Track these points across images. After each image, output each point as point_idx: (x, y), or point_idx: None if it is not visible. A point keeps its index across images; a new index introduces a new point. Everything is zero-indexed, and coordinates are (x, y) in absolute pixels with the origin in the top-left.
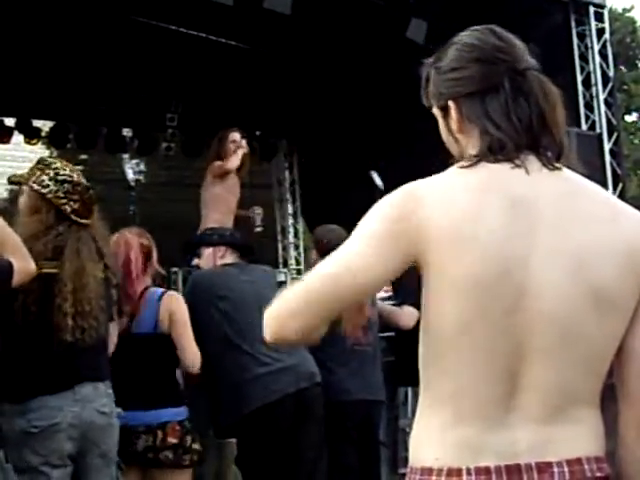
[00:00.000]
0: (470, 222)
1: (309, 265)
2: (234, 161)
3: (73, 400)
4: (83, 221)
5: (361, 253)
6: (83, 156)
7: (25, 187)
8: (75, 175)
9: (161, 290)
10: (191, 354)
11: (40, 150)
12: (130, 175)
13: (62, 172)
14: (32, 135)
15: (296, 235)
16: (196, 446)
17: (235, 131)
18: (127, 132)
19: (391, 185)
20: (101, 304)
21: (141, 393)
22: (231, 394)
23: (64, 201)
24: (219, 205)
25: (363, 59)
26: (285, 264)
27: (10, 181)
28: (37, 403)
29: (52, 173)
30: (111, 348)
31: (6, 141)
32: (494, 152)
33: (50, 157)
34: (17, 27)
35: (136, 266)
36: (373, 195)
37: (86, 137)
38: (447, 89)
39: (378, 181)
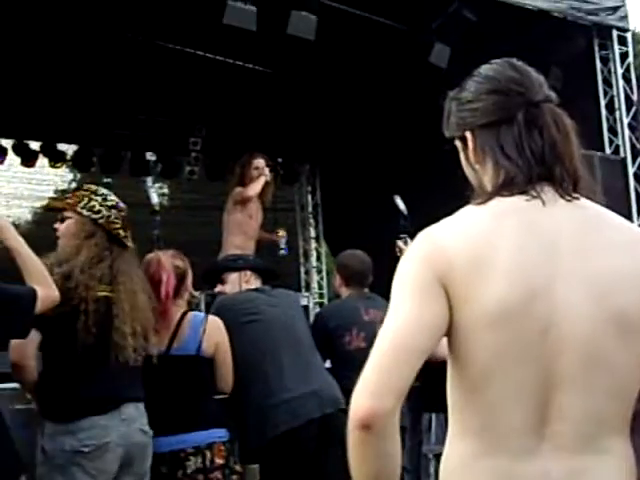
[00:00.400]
0: (491, 254)
1: (332, 289)
2: (255, 188)
3: (120, 420)
4: (129, 244)
5: (414, 314)
6: (107, 179)
7: (71, 213)
8: (119, 200)
9: (202, 314)
10: (230, 379)
11: (64, 173)
12: (155, 199)
13: (109, 198)
14: (57, 159)
15: (319, 259)
16: (238, 467)
17: (259, 157)
18: (151, 156)
19: (414, 210)
20: (149, 324)
21: (188, 414)
22: (257, 418)
23: (116, 225)
24: (240, 230)
25: (386, 84)
26: (307, 288)
27: (49, 207)
28: (88, 423)
29: (100, 199)
30: None
31: (31, 165)
32: (506, 185)
33: (74, 180)
34: (42, 52)
35: (166, 287)
36: (397, 220)
37: (110, 161)
38: (464, 120)
39: (402, 206)
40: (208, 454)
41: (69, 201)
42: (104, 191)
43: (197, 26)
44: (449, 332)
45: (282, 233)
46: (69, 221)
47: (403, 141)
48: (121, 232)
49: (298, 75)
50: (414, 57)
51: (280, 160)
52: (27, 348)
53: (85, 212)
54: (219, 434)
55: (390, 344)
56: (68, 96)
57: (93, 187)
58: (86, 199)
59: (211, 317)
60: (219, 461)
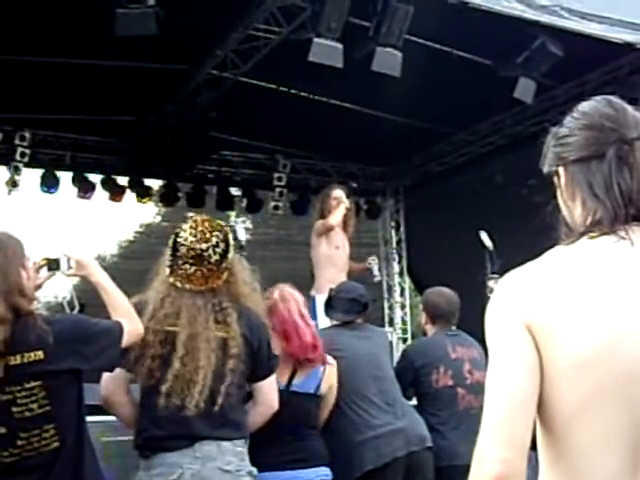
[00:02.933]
0: (576, 298)
1: (417, 325)
2: (336, 217)
3: (193, 457)
4: (188, 286)
5: (511, 370)
6: (190, 214)
7: None
8: (193, 239)
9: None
10: (325, 418)
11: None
12: (242, 235)
13: (182, 235)
14: (144, 194)
15: (402, 294)
16: None
17: (337, 188)
18: (236, 191)
19: (500, 245)
20: (214, 369)
21: (300, 451)
22: (342, 456)
23: (170, 264)
24: (329, 262)
25: (470, 118)
26: (391, 323)
27: None
28: (159, 459)
29: (173, 238)
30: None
31: (118, 199)
32: (594, 225)
33: (158, 214)
34: (131, 89)
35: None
36: (482, 255)
37: (195, 196)
38: (558, 155)
39: (487, 242)
40: None
41: None
42: (183, 227)
43: (281, 63)
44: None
45: (375, 260)
46: None
47: (488, 176)
48: (174, 274)
49: (382, 109)
50: (499, 91)
51: (362, 194)
52: (117, 384)
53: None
54: (326, 472)
55: (501, 398)
56: (155, 134)
57: (184, 224)
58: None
59: (330, 357)
60: None
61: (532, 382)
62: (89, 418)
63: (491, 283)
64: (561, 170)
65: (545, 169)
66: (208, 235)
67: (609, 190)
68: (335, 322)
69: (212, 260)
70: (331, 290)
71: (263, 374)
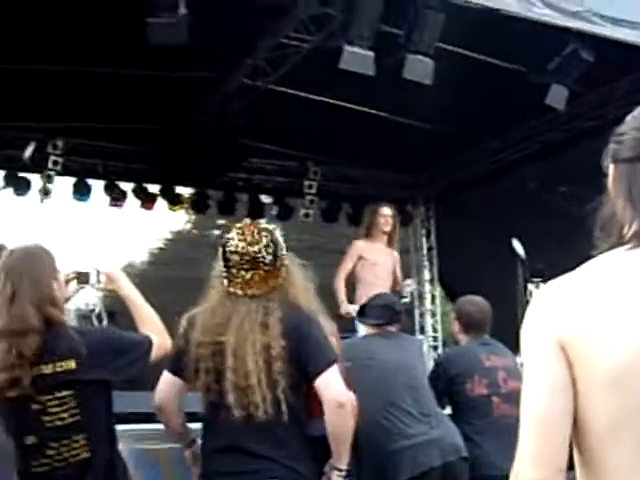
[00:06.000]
0: (608, 312)
1: (449, 334)
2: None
3: None
4: (251, 292)
5: (543, 389)
6: (220, 221)
7: None
8: (243, 244)
9: None
10: None
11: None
12: None
13: (230, 242)
14: (175, 202)
15: (433, 302)
16: None
17: (386, 206)
18: (266, 199)
19: (532, 254)
20: (266, 374)
21: None
22: (376, 466)
23: (228, 273)
24: (366, 281)
25: (502, 124)
26: (422, 331)
27: None
28: None
29: (221, 249)
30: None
31: (150, 207)
32: (632, 237)
33: (189, 222)
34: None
35: None
36: (514, 263)
37: (226, 204)
38: (611, 152)
39: (520, 250)
40: None
41: None
42: (231, 234)
43: (312, 71)
44: None
45: (411, 283)
46: None
47: (520, 183)
48: (227, 282)
49: (412, 117)
50: (530, 98)
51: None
52: (171, 391)
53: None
54: None
55: (533, 416)
56: (186, 141)
57: (231, 230)
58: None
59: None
60: None
61: (565, 401)
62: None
63: (532, 287)
64: (611, 167)
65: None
66: (257, 237)
67: None
68: (369, 331)
69: (267, 261)
70: (366, 300)
71: (318, 368)
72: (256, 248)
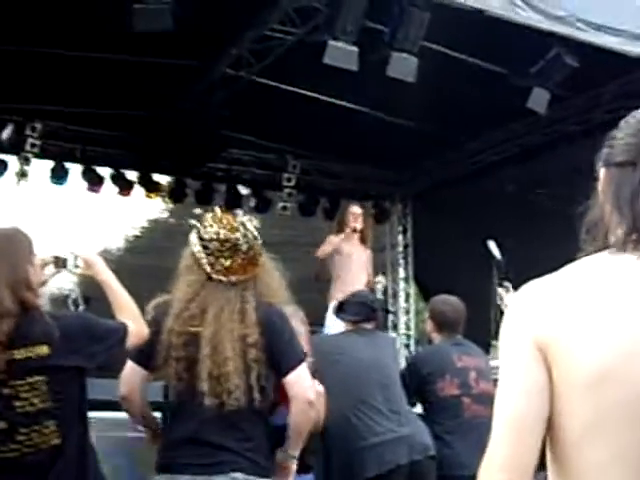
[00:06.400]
0: (588, 314)
1: (420, 332)
2: (322, 249)
3: None
4: (232, 278)
5: (518, 391)
6: (197, 210)
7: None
8: (224, 231)
9: None
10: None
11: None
12: None
13: (208, 229)
14: (152, 189)
15: (407, 299)
16: None
17: (356, 204)
18: (244, 190)
19: (509, 255)
20: (241, 361)
21: None
22: (344, 462)
23: (208, 259)
24: (340, 273)
25: (481, 125)
26: (395, 328)
27: None
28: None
29: (200, 232)
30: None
31: (127, 194)
32: (617, 240)
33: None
34: (139, 84)
35: None
36: (489, 264)
37: (204, 194)
38: (602, 155)
39: (496, 251)
40: None
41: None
42: (207, 222)
43: (295, 64)
44: None
45: (381, 280)
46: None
47: (499, 185)
48: (209, 267)
49: (394, 114)
50: (512, 101)
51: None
52: (136, 380)
53: (189, 247)
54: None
55: (507, 419)
56: (166, 129)
57: (203, 219)
58: (192, 232)
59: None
60: None
61: (540, 404)
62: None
63: (501, 291)
64: (602, 171)
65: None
66: (235, 225)
67: (634, 202)
68: (347, 327)
69: (244, 249)
70: (343, 297)
71: (290, 365)
72: (237, 235)
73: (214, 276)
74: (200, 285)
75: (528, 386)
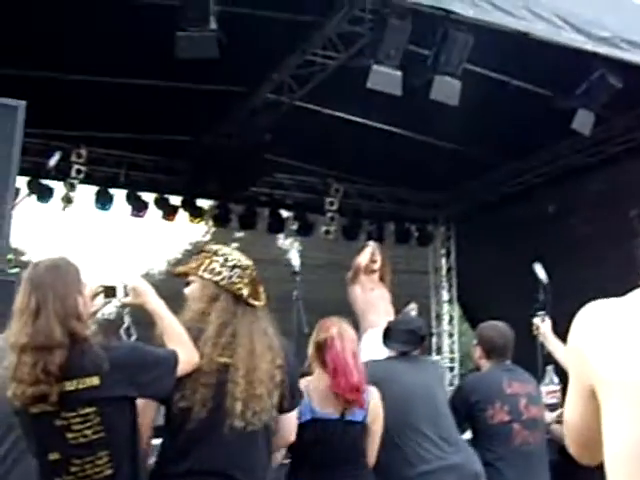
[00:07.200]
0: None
1: (467, 356)
2: (362, 256)
3: None
4: (255, 303)
5: (573, 413)
6: (239, 234)
7: (194, 277)
8: (243, 258)
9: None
10: (377, 448)
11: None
12: (296, 261)
13: (230, 257)
14: (196, 214)
15: (450, 322)
16: None
17: (373, 242)
18: (287, 214)
19: (555, 280)
20: (269, 388)
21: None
22: None
23: (239, 286)
24: (369, 307)
25: (526, 148)
26: (439, 351)
27: (176, 274)
28: None
29: (222, 259)
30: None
31: (171, 219)
32: None
33: (207, 233)
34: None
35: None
36: (534, 287)
37: (247, 217)
38: None
39: (542, 275)
40: None
41: (192, 265)
42: (225, 250)
43: (338, 89)
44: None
45: (413, 307)
46: (193, 285)
47: (542, 206)
48: (245, 291)
49: (437, 136)
50: (555, 122)
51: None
52: (145, 420)
53: (206, 275)
54: None
55: (567, 435)
56: (209, 154)
57: (214, 248)
58: (207, 261)
59: (373, 389)
60: None
61: (586, 432)
62: None
63: (537, 321)
64: None
65: None
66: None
67: None
68: (391, 354)
69: (255, 275)
70: (389, 322)
71: (289, 406)
72: (250, 262)
73: (248, 300)
74: (229, 312)
75: (579, 420)
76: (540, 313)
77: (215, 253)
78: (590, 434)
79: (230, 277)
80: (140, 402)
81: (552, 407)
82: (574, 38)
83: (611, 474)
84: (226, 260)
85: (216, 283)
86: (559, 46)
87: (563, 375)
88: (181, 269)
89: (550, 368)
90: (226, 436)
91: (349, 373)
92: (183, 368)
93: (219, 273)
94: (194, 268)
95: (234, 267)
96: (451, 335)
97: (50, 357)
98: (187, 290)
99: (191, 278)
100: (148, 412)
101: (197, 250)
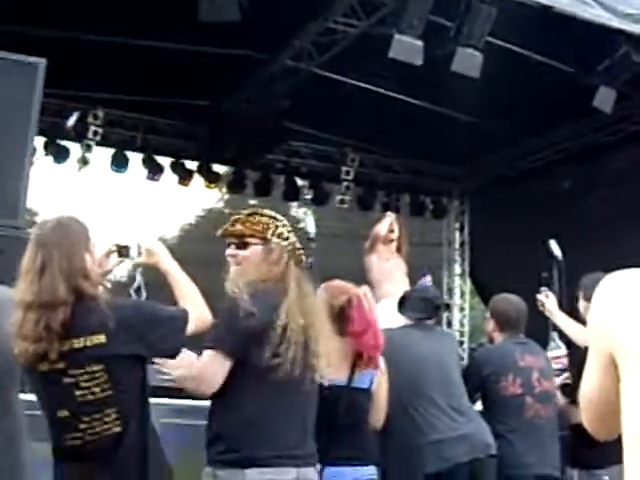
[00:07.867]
0: None
1: (476, 329)
2: (382, 225)
3: None
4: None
5: (592, 383)
6: (253, 201)
7: (257, 239)
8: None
9: None
10: (383, 414)
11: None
12: (312, 228)
13: (287, 223)
14: (211, 180)
15: (462, 296)
16: None
17: (391, 214)
18: (302, 182)
19: (568, 256)
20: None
21: (360, 447)
22: (403, 458)
23: (301, 252)
24: (385, 277)
25: (545, 124)
26: (449, 325)
27: (229, 234)
28: None
29: (286, 225)
30: None
31: (186, 184)
32: None
33: (221, 199)
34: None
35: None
36: (546, 263)
37: (263, 185)
38: None
39: (557, 251)
40: None
41: (256, 227)
42: (279, 216)
43: (359, 58)
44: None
45: (429, 279)
46: (255, 248)
47: (559, 183)
48: (304, 257)
49: (456, 108)
50: (576, 99)
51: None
52: (217, 379)
53: (275, 239)
54: (374, 471)
55: (584, 409)
56: (227, 120)
57: (270, 212)
58: (273, 226)
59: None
60: None
61: (604, 402)
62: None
63: (541, 297)
64: None
65: None
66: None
67: None
68: (407, 322)
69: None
70: (405, 291)
71: None
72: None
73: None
74: (300, 276)
75: (598, 390)
76: (543, 289)
77: (275, 218)
78: (608, 407)
79: (294, 243)
80: None
81: (557, 373)
82: (599, 14)
83: (630, 444)
84: (284, 226)
85: (285, 247)
86: (583, 22)
87: (568, 343)
88: (240, 229)
89: (555, 334)
90: (307, 391)
91: (377, 332)
92: (196, 325)
93: (287, 238)
94: (259, 231)
95: (294, 234)
96: (462, 309)
97: (53, 314)
98: (244, 253)
99: (251, 240)
100: None
101: (210, 216)
